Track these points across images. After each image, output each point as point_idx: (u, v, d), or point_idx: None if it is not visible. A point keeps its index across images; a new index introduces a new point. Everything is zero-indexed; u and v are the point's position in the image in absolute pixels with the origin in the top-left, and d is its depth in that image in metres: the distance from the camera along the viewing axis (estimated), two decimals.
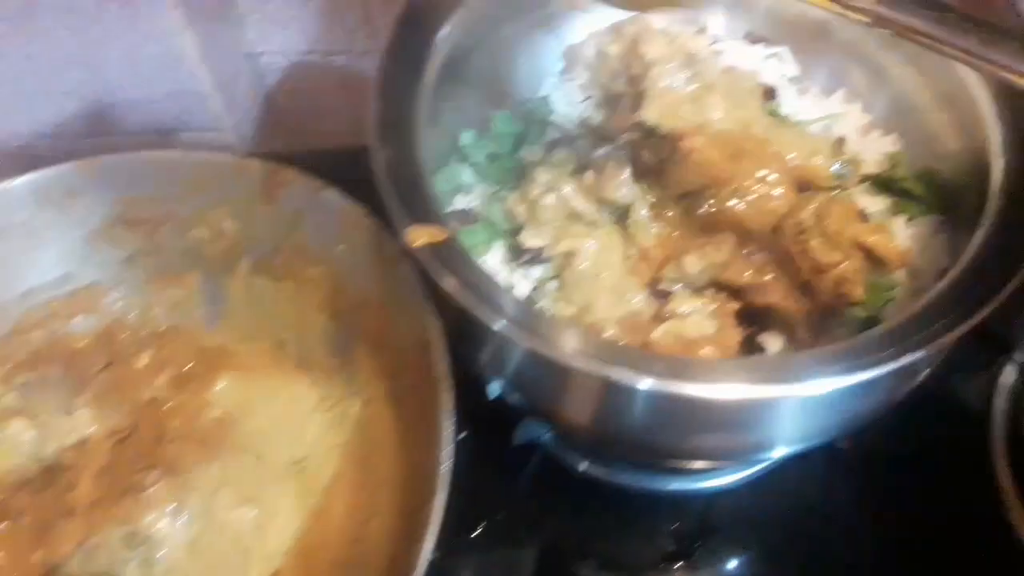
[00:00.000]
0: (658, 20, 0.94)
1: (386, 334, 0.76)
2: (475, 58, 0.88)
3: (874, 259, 0.80)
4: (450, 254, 0.66)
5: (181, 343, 0.87)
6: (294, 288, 0.84)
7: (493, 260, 0.84)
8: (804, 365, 0.61)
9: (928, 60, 0.82)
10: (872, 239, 0.79)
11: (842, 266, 0.77)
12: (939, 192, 0.83)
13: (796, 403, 0.66)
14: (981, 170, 0.75)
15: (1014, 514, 0.85)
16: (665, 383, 0.59)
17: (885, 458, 0.91)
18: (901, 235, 0.83)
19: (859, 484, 0.92)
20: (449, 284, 0.63)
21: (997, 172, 0.73)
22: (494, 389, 0.74)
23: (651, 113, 0.80)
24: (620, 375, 0.59)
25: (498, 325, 0.61)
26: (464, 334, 0.71)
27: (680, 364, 0.63)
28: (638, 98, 0.83)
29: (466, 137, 0.90)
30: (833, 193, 0.84)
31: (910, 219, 0.84)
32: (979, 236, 0.70)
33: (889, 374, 0.61)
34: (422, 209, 0.68)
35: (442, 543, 0.85)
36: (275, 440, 0.83)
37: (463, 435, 0.92)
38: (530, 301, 0.78)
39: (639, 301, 0.78)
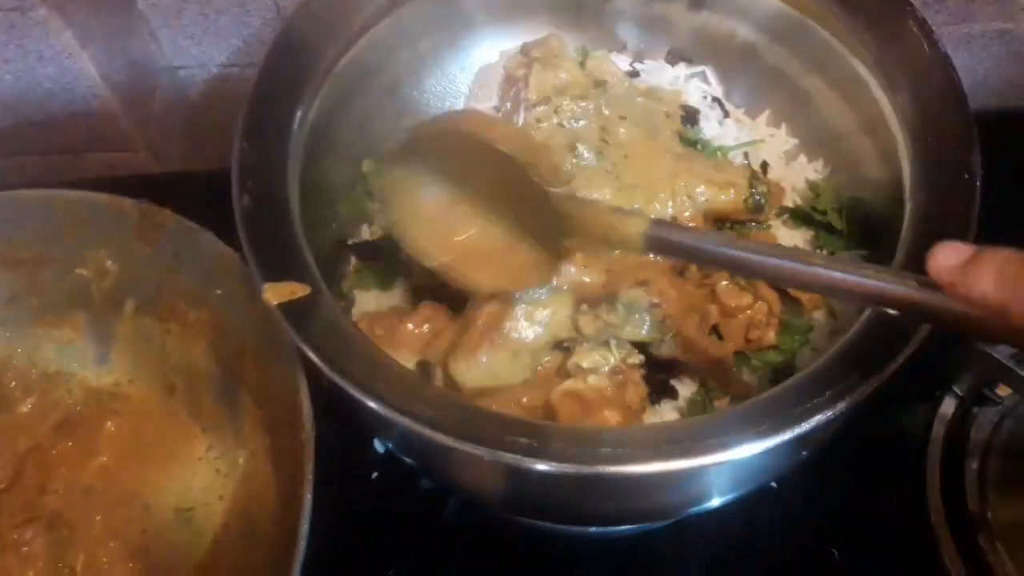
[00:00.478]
0: (572, 39, 0.90)
1: (265, 386, 0.72)
2: (374, 80, 0.84)
3: (789, 299, 0.76)
4: (317, 310, 0.61)
5: (70, 386, 0.83)
6: (180, 331, 0.80)
7: (395, 298, 0.80)
8: (700, 434, 0.56)
9: (850, 86, 0.77)
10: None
11: (750, 310, 0.73)
12: (860, 226, 0.78)
13: (697, 472, 0.61)
14: (899, 204, 0.71)
15: (944, 547, 0.82)
16: (552, 464, 0.54)
17: (819, 494, 0.87)
18: None
19: (791, 522, 0.87)
20: (307, 350, 0.58)
21: (907, 212, 0.68)
22: (380, 446, 0.70)
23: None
24: (501, 456, 0.55)
25: (366, 399, 0.57)
26: (335, 396, 0.66)
27: (569, 438, 0.57)
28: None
29: (367, 165, 0.85)
30: (751, 227, 0.80)
31: (831, 254, 0.79)
32: None
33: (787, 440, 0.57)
34: (288, 260, 0.63)
35: None
36: (163, 488, 0.79)
37: (375, 475, 0.89)
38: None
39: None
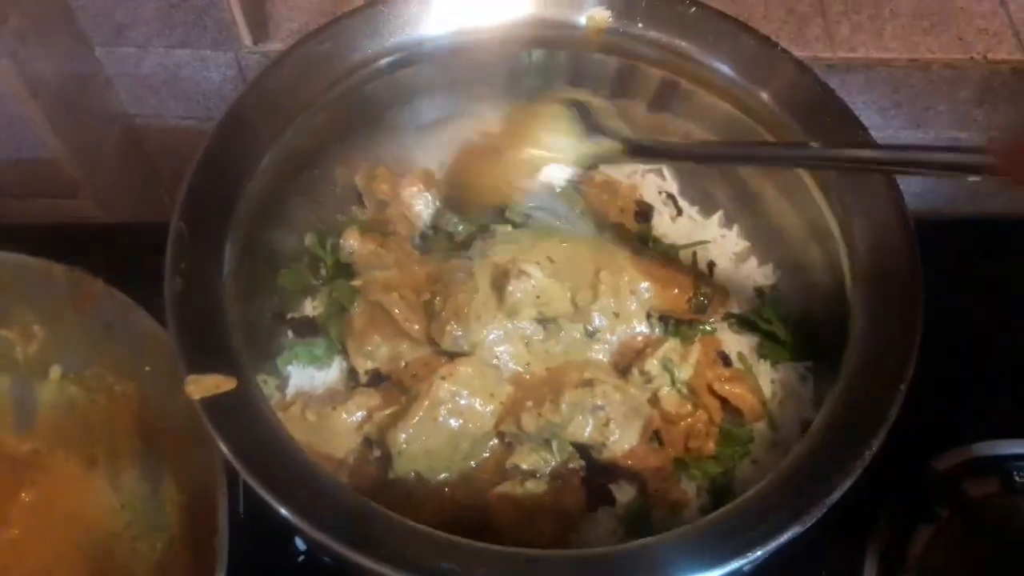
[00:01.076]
0: None
1: (188, 471, 0.69)
2: (327, 153, 0.83)
3: (731, 409, 0.75)
4: (241, 406, 0.59)
5: None
6: (106, 403, 0.77)
7: (331, 377, 0.78)
8: (632, 565, 0.55)
9: (798, 195, 0.78)
10: (728, 389, 0.75)
11: (691, 418, 0.72)
12: (805, 339, 0.78)
13: None
14: (845, 318, 0.71)
15: None
16: None
17: None
18: (764, 380, 0.78)
19: None
20: (225, 450, 0.56)
21: (854, 326, 0.68)
22: (301, 544, 0.67)
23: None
24: None
25: (282, 509, 0.55)
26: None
27: (494, 563, 0.55)
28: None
29: (310, 238, 0.84)
30: (698, 331, 0.79)
31: (775, 364, 0.79)
32: (827, 405, 0.65)
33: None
34: (217, 350, 0.61)
35: None
36: (76, 564, 0.75)
37: (300, 559, 0.86)
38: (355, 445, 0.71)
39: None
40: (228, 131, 0.72)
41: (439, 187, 0.86)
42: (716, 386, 0.74)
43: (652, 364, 0.72)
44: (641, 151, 0.74)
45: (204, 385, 0.57)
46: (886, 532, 0.87)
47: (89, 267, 0.77)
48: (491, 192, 0.80)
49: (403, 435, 0.70)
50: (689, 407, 0.72)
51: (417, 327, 0.75)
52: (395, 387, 0.75)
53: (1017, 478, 0.89)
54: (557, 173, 0.76)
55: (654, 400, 0.73)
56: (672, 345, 0.74)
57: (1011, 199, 1.13)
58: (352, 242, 0.81)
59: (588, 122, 0.75)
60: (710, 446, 0.72)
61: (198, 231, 0.65)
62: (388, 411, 0.72)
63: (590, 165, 0.78)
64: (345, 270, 0.82)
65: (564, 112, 0.75)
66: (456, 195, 0.84)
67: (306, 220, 0.83)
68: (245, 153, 0.71)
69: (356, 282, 0.79)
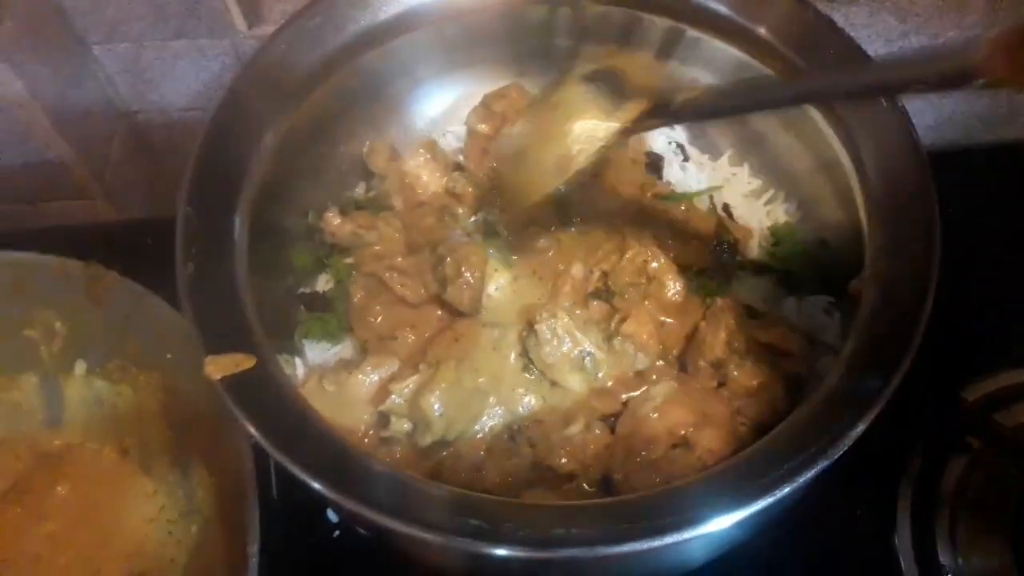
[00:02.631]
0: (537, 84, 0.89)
1: (217, 454, 0.70)
2: (330, 130, 0.82)
3: (777, 352, 0.74)
4: (262, 383, 0.60)
5: (19, 451, 0.81)
6: (132, 394, 0.78)
7: (345, 351, 0.78)
8: (658, 510, 0.55)
9: (806, 127, 0.76)
10: (768, 337, 0.74)
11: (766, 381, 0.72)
12: (824, 272, 0.77)
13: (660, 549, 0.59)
14: (860, 247, 0.70)
15: None
16: (504, 548, 0.52)
17: (792, 550, 0.86)
18: (793, 318, 0.78)
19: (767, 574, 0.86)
20: (250, 427, 0.56)
21: (871, 257, 0.67)
22: (333, 516, 0.68)
23: None
24: (451, 540, 0.53)
25: (312, 481, 0.55)
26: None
27: (521, 518, 0.55)
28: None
29: (312, 217, 0.83)
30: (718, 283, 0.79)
31: (800, 299, 0.79)
32: (849, 340, 0.64)
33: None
34: (234, 329, 0.62)
35: None
36: (114, 552, 0.77)
37: (336, 534, 0.87)
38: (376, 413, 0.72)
39: None
40: (227, 114, 0.72)
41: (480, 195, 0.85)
42: (759, 336, 0.74)
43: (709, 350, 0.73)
44: (669, 113, 0.70)
45: (223, 365, 0.58)
46: (918, 466, 0.87)
47: (104, 263, 0.78)
48: (532, 191, 0.78)
49: (435, 401, 0.70)
50: (765, 371, 0.72)
51: (413, 293, 0.76)
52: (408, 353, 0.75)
53: None
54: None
55: (726, 380, 0.73)
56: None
57: None
58: (331, 224, 0.81)
59: (613, 92, 0.72)
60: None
61: (206, 215, 0.66)
62: (410, 381, 0.72)
63: (625, 136, 0.77)
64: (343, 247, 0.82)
65: (585, 94, 0.73)
66: (499, 200, 0.82)
67: (313, 197, 0.83)
68: (246, 134, 0.71)
69: (348, 259, 0.80)
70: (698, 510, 0.53)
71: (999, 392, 0.88)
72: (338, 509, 0.65)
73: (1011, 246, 0.98)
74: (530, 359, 0.73)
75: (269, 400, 0.58)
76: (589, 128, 0.72)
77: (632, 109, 0.70)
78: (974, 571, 0.80)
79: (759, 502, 0.54)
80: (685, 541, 0.53)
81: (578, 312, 0.75)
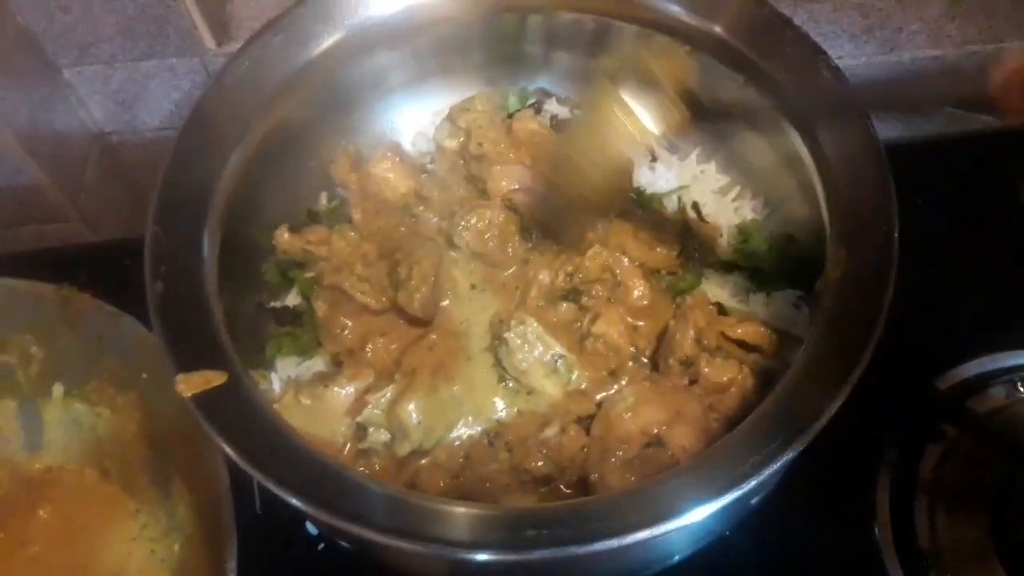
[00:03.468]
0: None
1: (196, 472, 0.70)
2: (298, 144, 0.83)
3: (748, 348, 0.76)
4: (234, 399, 0.60)
5: (0, 475, 0.81)
6: (110, 415, 0.78)
7: (317, 365, 0.79)
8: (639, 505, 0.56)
9: (772, 127, 0.77)
10: (740, 332, 0.75)
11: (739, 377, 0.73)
12: (790, 266, 0.78)
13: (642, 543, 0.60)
14: (825, 240, 0.71)
15: None
16: (482, 553, 0.53)
17: (772, 539, 0.87)
18: (762, 314, 0.78)
19: (747, 568, 0.87)
20: (223, 443, 0.57)
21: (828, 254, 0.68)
22: (313, 529, 0.68)
23: None
24: (429, 548, 0.54)
25: (288, 496, 0.56)
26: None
27: (494, 522, 0.56)
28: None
29: (278, 232, 0.83)
30: (683, 278, 0.80)
31: (768, 295, 0.79)
32: (811, 333, 0.65)
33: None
34: (205, 345, 0.62)
35: None
36: (98, 572, 0.77)
37: (320, 547, 0.88)
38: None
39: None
40: (194, 133, 0.72)
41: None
42: (729, 333, 0.75)
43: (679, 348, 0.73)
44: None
45: (194, 382, 0.58)
46: (894, 455, 0.88)
47: (80, 285, 0.79)
48: (589, 206, 0.79)
49: (412, 410, 0.71)
50: (735, 366, 0.73)
51: (375, 300, 0.77)
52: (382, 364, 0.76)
53: (1021, 388, 0.89)
54: None
55: (697, 377, 0.74)
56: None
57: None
58: (281, 240, 0.82)
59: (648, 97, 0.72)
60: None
61: (174, 233, 0.66)
62: (387, 391, 0.73)
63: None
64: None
65: (620, 106, 0.72)
66: (555, 224, 0.83)
67: (282, 211, 0.83)
68: (213, 151, 0.72)
69: (309, 273, 0.81)
70: (669, 505, 0.54)
71: (971, 380, 0.89)
72: (316, 522, 0.66)
73: (981, 236, 0.99)
74: (503, 367, 0.74)
75: (242, 416, 0.59)
76: (629, 137, 0.72)
77: (672, 116, 0.71)
78: (953, 555, 0.81)
79: (727, 495, 0.55)
80: (658, 536, 0.54)
81: (548, 316, 0.75)
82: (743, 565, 0.85)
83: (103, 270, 0.91)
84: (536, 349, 0.73)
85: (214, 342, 0.62)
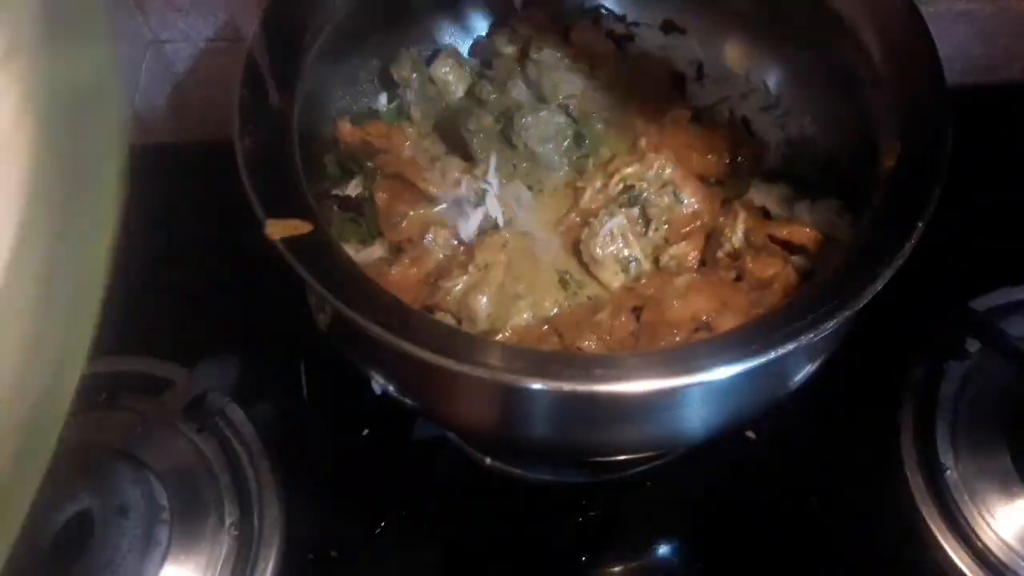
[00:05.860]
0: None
1: None
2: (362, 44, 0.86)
3: (793, 249, 0.79)
4: (316, 246, 0.63)
5: None
6: None
7: (377, 253, 0.81)
8: (688, 356, 0.59)
9: (821, 41, 0.80)
10: (786, 232, 0.78)
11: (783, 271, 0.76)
12: (839, 177, 0.82)
13: (686, 392, 0.64)
14: (874, 162, 0.73)
15: (917, 494, 0.86)
16: (546, 383, 0.56)
17: (795, 446, 0.91)
18: (808, 219, 0.81)
19: (770, 473, 0.90)
20: (311, 279, 0.60)
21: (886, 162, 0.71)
22: (377, 387, 0.71)
23: None
24: (500, 377, 0.57)
25: (370, 325, 0.58)
26: (335, 332, 0.68)
27: (563, 361, 0.60)
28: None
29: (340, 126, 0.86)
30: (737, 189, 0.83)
31: (813, 202, 0.82)
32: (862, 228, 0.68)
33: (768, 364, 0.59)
34: (290, 199, 0.65)
35: (339, 543, 0.85)
36: None
37: (365, 432, 0.91)
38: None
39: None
40: (271, 24, 0.74)
41: None
42: (775, 232, 0.78)
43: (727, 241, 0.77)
44: None
45: (282, 227, 0.61)
46: (921, 371, 0.91)
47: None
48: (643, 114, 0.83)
49: (484, 302, 0.74)
50: (779, 262, 0.76)
51: (438, 186, 0.80)
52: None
53: None
54: None
55: (742, 273, 0.77)
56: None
57: None
58: (344, 131, 0.85)
59: None
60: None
61: (260, 101, 0.69)
62: (460, 280, 0.76)
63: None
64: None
65: None
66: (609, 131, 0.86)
67: (345, 108, 0.87)
68: (286, 45, 0.74)
69: (370, 163, 0.84)
70: (716, 357, 0.57)
71: (1005, 307, 0.93)
72: (387, 367, 0.68)
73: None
74: (578, 251, 0.78)
75: (326, 261, 0.62)
76: None
77: None
78: (973, 470, 0.85)
79: (758, 359, 0.58)
80: (694, 385, 0.58)
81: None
82: (762, 469, 0.90)
83: (150, 170, 0.93)
84: (617, 243, 0.77)
85: (298, 196, 0.65)
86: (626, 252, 0.77)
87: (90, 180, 0.37)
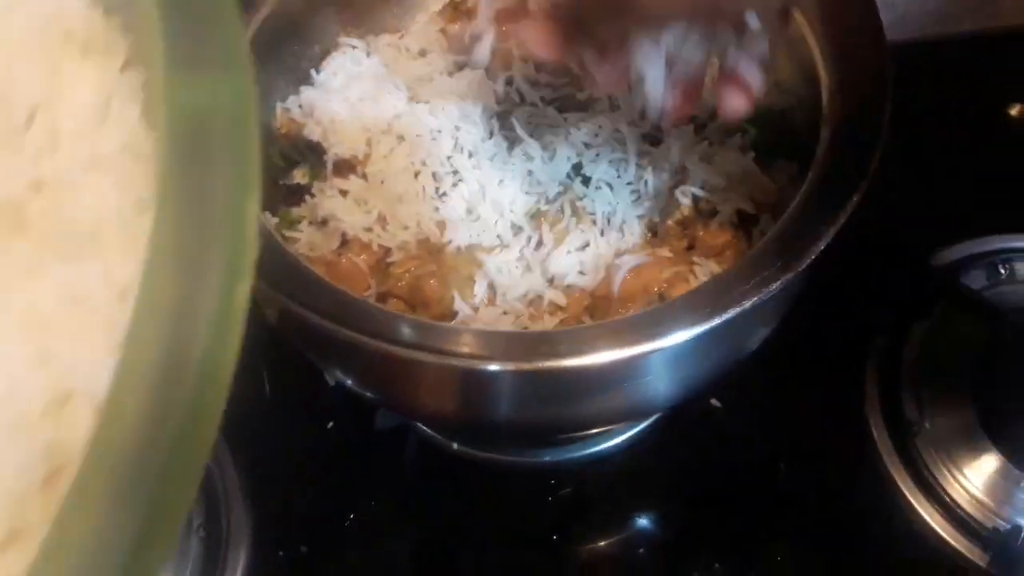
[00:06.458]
0: None
1: None
2: None
3: (743, 216, 0.77)
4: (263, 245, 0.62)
5: None
6: None
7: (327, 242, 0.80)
8: (643, 323, 0.59)
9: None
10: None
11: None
12: (788, 139, 0.80)
13: (642, 361, 0.62)
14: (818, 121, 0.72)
15: (884, 454, 0.86)
16: (498, 364, 0.56)
17: (761, 412, 0.91)
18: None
19: (737, 440, 0.90)
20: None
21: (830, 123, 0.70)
22: (331, 379, 0.71)
23: None
24: (448, 361, 0.56)
25: (319, 320, 0.58)
26: (282, 326, 0.67)
27: (516, 340, 0.60)
28: None
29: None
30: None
31: (765, 167, 0.81)
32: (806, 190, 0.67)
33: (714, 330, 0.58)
34: None
35: (309, 538, 0.84)
36: None
37: (329, 425, 0.90)
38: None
39: None
40: None
41: None
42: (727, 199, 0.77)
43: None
44: None
45: None
46: (886, 330, 0.91)
47: None
48: None
49: (434, 284, 0.73)
50: (728, 231, 0.75)
51: None
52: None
53: (1001, 270, 0.92)
54: None
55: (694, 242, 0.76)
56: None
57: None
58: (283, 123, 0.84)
59: None
60: None
61: None
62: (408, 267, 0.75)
63: None
64: None
65: None
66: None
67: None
68: None
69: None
70: (668, 324, 0.57)
71: (964, 260, 0.93)
72: (339, 359, 0.68)
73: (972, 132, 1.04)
74: None
75: (268, 253, 0.60)
76: None
77: None
78: (940, 429, 0.85)
79: (711, 321, 0.57)
80: (650, 353, 0.57)
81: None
82: (729, 436, 0.90)
83: None
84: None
85: None
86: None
87: (222, 216, 0.36)
